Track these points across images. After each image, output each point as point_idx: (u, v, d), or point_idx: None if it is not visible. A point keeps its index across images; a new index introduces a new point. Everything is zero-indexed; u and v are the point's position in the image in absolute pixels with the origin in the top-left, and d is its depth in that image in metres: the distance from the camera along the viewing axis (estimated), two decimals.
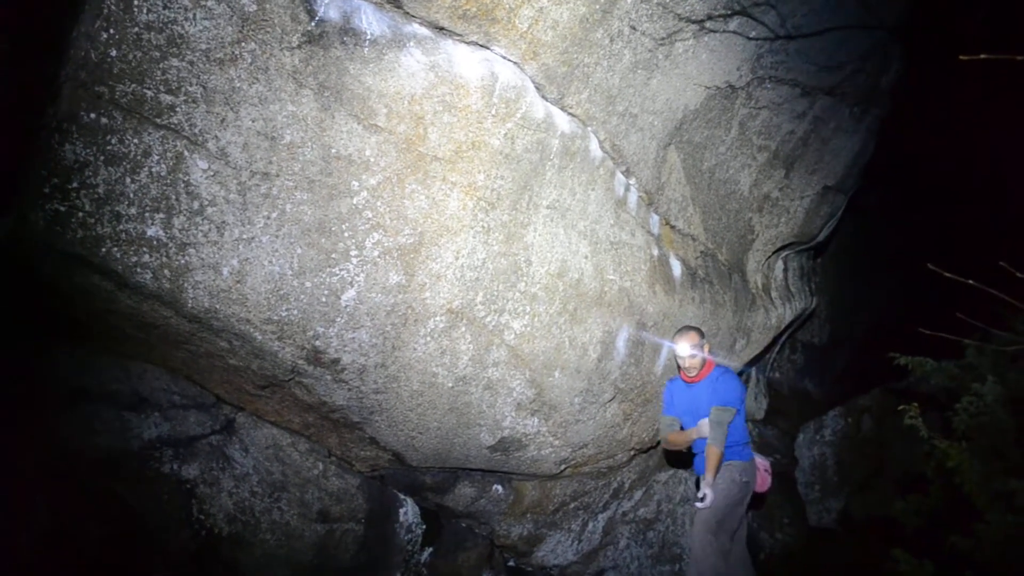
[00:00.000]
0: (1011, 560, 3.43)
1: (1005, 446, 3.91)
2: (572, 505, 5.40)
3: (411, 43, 3.54)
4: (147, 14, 2.98)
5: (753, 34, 4.78)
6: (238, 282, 3.32)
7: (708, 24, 4.46)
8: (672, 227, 5.29)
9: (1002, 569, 3.47)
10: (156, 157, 3.07)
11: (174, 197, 3.12)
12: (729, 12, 4.47)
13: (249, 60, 3.18)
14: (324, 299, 3.53)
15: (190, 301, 3.27)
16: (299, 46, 3.26)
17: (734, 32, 4.67)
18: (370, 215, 3.54)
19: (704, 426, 4.52)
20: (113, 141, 3.00)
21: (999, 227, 8.73)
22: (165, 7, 3.00)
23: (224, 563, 3.81)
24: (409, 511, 4.82)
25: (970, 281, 2.59)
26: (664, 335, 5.07)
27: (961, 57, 2.25)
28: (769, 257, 6.61)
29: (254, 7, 3.15)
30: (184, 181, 3.13)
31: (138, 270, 3.13)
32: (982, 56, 2.14)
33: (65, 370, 3.55)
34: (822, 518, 6.63)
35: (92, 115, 2.96)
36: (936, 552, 3.76)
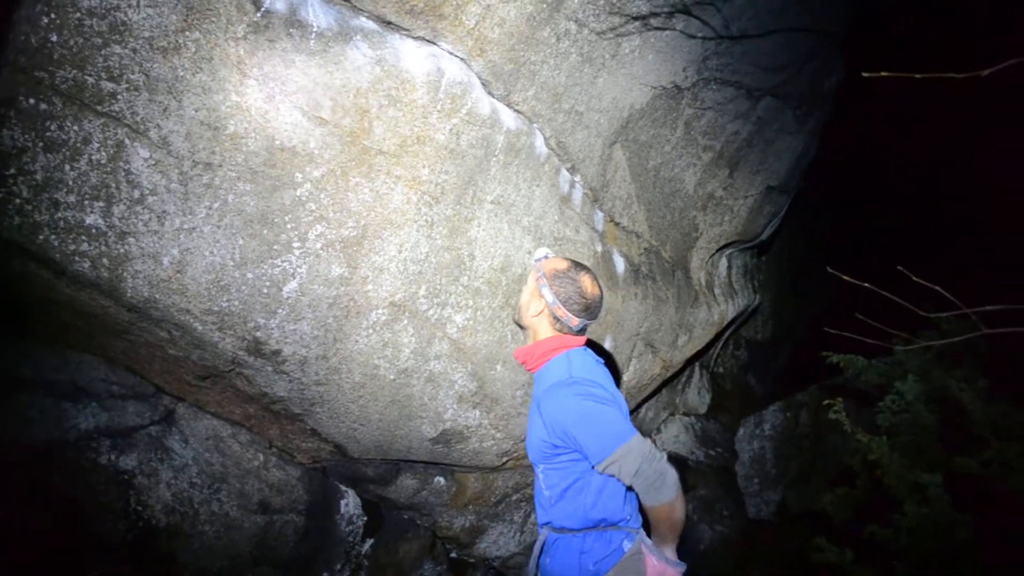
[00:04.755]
0: (925, 548, 3.59)
1: (926, 442, 4.08)
2: (514, 497, 5.46)
3: (358, 37, 3.55)
4: (89, 0, 2.95)
5: (699, 35, 4.87)
6: (178, 272, 3.30)
7: (654, 23, 4.53)
8: (616, 224, 5.36)
9: (917, 556, 3.63)
10: (96, 145, 3.04)
11: (114, 185, 3.10)
12: (672, 10, 4.54)
13: (193, 49, 3.16)
14: (266, 290, 3.53)
15: (129, 290, 3.25)
16: (244, 36, 3.25)
17: (680, 33, 4.75)
18: (313, 207, 3.55)
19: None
20: (52, 127, 2.97)
21: (936, 227, 9.03)
22: None
23: (161, 554, 3.79)
24: (351, 502, 4.83)
25: (866, 284, 2.70)
26: (607, 331, 5.15)
27: (864, 74, 2.35)
28: (713, 255, 6.74)
29: None
30: (125, 170, 3.11)
31: (76, 258, 3.10)
32: (882, 73, 2.23)
33: (0, 359, 3.50)
34: (760, 511, 6.80)
35: (31, 100, 2.93)
36: (859, 541, 3.91)
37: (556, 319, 2.76)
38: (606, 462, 2.50)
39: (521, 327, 2.94)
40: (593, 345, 4.63)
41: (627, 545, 2.64)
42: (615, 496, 2.69)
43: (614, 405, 2.61)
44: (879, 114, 8.13)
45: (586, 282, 2.77)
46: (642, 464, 2.47)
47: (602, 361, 2.91)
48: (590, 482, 2.65)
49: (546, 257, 2.87)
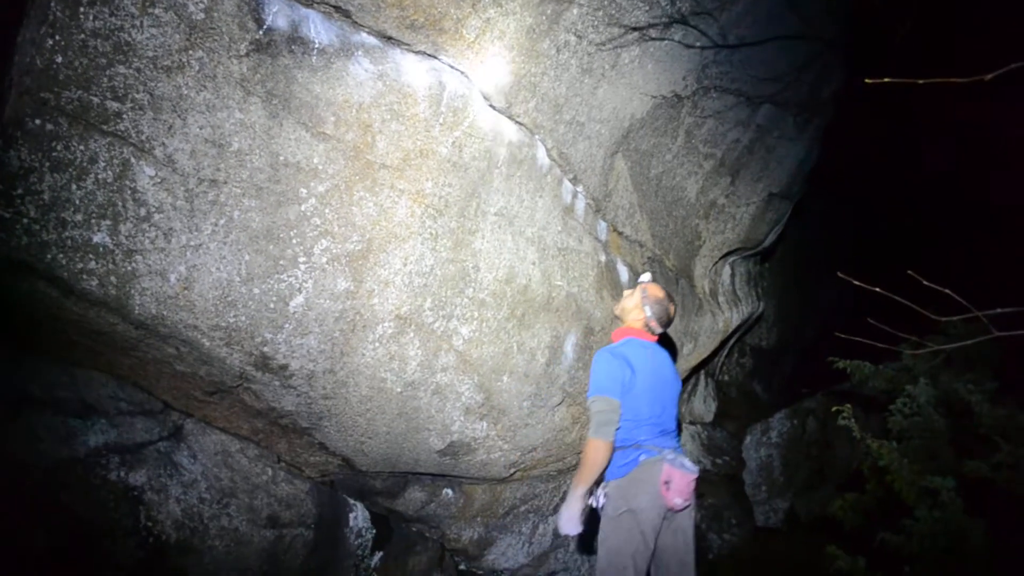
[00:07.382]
0: (937, 554, 3.57)
1: (937, 446, 4.06)
2: (522, 508, 5.45)
3: (359, 52, 3.58)
4: (93, 21, 2.98)
5: (697, 44, 4.89)
6: (185, 288, 3.32)
7: (652, 33, 4.55)
8: (620, 233, 5.37)
9: (929, 562, 3.61)
10: (102, 164, 3.07)
11: (120, 204, 3.12)
12: (670, 20, 4.56)
13: (197, 68, 3.19)
14: (272, 305, 3.55)
15: (137, 308, 3.27)
16: (247, 54, 3.28)
17: (678, 43, 4.77)
18: (318, 222, 3.57)
19: None
20: (59, 147, 2.99)
21: (941, 230, 9.02)
22: (112, 14, 3.00)
23: (172, 570, 3.79)
24: (359, 516, 4.83)
25: (877, 288, 2.71)
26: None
27: (867, 80, 2.37)
28: (716, 262, 6.73)
29: (202, 15, 3.17)
30: (131, 188, 3.13)
31: (84, 277, 3.12)
32: (885, 79, 2.25)
33: (9, 377, 3.50)
34: (769, 518, 6.75)
35: (37, 121, 2.95)
36: (871, 548, 3.89)
37: (647, 326, 3.86)
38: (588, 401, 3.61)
39: (617, 318, 4.09)
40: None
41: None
42: None
43: (618, 365, 3.60)
44: (881, 118, 8.13)
45: (671, 309, 3.89)
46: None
47: (654, 349, 3.87)
48: None
49: (650, 281, 3.98)
